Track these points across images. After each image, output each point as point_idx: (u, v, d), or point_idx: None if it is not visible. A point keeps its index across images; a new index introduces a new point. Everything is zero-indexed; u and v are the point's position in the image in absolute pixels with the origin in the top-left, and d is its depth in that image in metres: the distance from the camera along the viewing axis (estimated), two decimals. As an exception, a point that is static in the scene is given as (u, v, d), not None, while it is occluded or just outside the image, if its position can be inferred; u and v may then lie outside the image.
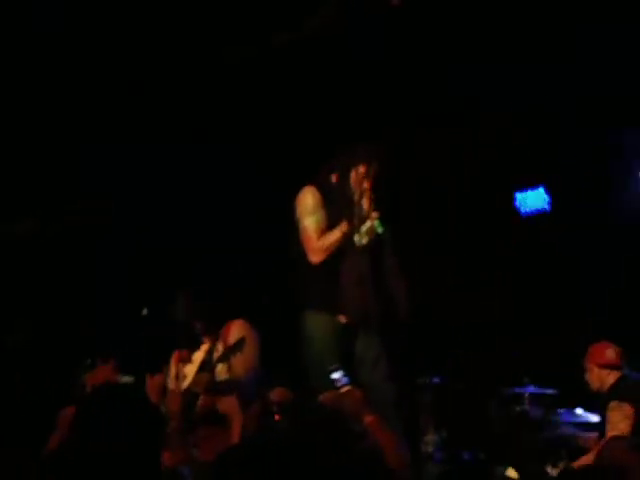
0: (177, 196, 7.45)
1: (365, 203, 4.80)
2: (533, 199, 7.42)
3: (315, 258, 4.80)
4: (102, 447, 2.53)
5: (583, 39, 6.17)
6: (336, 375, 4.02)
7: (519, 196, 7.49)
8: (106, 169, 7.21)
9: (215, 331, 5.29)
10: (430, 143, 7.35)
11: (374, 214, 4.77)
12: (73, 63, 6.45)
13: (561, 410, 5.98)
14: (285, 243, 5.09)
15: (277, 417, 4.75)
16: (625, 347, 5.59)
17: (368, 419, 3.58)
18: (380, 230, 4.78)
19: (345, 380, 3.98)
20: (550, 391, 6.17)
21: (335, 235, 4.78)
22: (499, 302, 7.46)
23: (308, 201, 4.85)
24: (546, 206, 7.36)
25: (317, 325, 4.85)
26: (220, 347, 5.20)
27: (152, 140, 7.13)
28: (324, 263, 4.82)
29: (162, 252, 7.48)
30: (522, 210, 7.48)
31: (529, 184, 7.43)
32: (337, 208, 4.83)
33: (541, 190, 7.39)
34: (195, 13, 6.15)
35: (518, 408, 6.22)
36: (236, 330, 5.18)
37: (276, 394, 4.92)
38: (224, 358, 5.09)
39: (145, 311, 6.11)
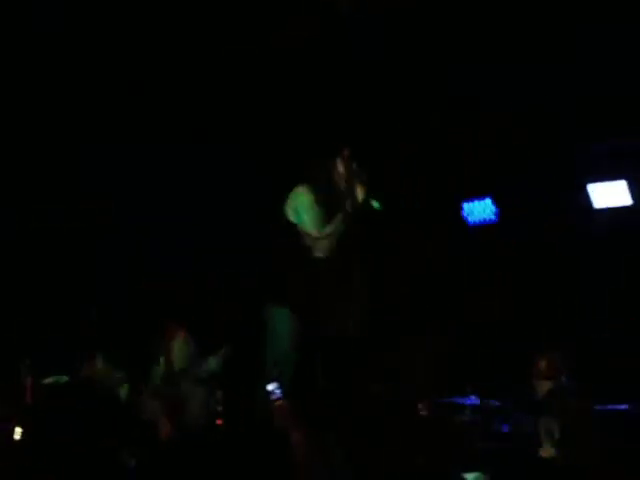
0: (177, 196, 7.45)
1: (358, 190, 4.83)
2: (480, 209, 7.46)
3: (319, 252, 4.82)
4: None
5: (583, 39, 6.17)
6: (271, 387, 4.02)
7: (466, 206, 7.53)
8: (106, 169, 7.21)
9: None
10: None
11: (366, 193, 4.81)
12: (73, 63, 6.45)
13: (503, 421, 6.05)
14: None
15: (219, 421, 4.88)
16: (625, 347, 5.59)
17: (295, 435, 3.61)
18: (377, 206, 4.81)
19: (278, 393, 3.99)
20: (492, 402, 6.15)
21: (332, 227, 4.80)
22: (500, 302, 7.47)
23: (305, 198, 4.88)
24: (493, 216, 7.39)
25: (283, 321, 4.86)
26: (162, 361, 5.41)
27: (151, 140, 7.13)
28: (298, 264, 4.84)
29: (162, 253, 7.48)
30: (469, 220, 7.52)
31: (476, 194, 7.46)
32: (327, 205, 4.87)
33: (488, 200, 7.42)
34: (195, 12, 6.15)
35: (460, 417, 6.22)
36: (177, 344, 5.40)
37: None
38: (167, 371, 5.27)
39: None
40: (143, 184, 7.36)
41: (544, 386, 5.46)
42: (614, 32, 6.06)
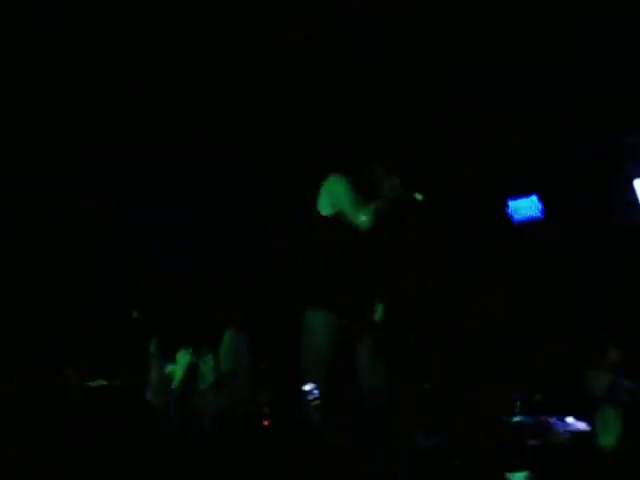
0: (177, 196, 7.45)
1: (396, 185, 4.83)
2: (526, 207, 7.46)
3: (361, 223, 4.77)
4: None
5: (583, 39, 6.17)
6: (308, 387, 4.01)
7: (512, 204, 7.53)
8: (106, 169, 7.22)
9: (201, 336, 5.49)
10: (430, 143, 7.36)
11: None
12: (73, 63, 6.45)
13: (552, 418, 6.05)
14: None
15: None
16: (625, 347, 5.60)
17: (335, 437, 3.60)
18: (419, 198, 4.81)
19: (317, 393, 3.98)
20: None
21: (371, 208, 4.78)
22: (500, 302, 7.47)
23: (340, 183, 4.85)
24: (539, 214, 7.40)
25: (319, 324, 4.81)
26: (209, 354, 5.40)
27: (152, 140, 7.13)
28: (326, 262, 4.80)
29: (162, 253, 7.49)
30: (515, 217, 7.52)
31: (522, 192, 7.47)
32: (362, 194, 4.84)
33: (534, 198, 7.42)
34: (195, 12, 6.15)
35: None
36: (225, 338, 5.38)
37: None
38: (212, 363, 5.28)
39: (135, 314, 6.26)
40: (143, 184, 7.36)
41: (606, 378, 5.54)
42: (614, 32, 6.06)
